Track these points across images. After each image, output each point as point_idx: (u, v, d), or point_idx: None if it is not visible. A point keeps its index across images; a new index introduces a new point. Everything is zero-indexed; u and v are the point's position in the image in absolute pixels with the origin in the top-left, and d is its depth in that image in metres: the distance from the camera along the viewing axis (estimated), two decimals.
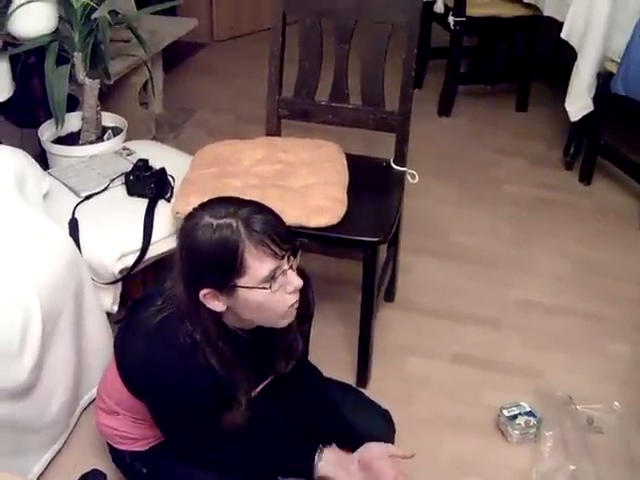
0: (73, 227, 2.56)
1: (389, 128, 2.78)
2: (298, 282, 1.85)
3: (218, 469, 2.05)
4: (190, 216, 1.85)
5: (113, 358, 2.12)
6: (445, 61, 4.50)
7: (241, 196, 2.34)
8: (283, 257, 1.81)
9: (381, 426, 2.31)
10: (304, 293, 1.93)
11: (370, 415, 2.32)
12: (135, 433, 2.17)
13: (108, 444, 2.26)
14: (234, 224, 1.77)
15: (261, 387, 2.10)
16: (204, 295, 1.83)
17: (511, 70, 4.79)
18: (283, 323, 1.92)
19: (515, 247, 3.43)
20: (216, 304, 1.85)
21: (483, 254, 3.38)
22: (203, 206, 1.85)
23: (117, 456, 2.24)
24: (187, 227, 1.84)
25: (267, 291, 1.81)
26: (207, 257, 1.80)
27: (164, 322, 1.91)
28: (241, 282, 1.80)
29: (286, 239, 1.82)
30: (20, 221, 2.39)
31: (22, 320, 2.14)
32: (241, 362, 1.93)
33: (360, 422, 2.24)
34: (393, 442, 2.31)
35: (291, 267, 1.84)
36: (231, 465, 2.06)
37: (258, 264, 1.78)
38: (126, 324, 2.09)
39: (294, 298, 1.87)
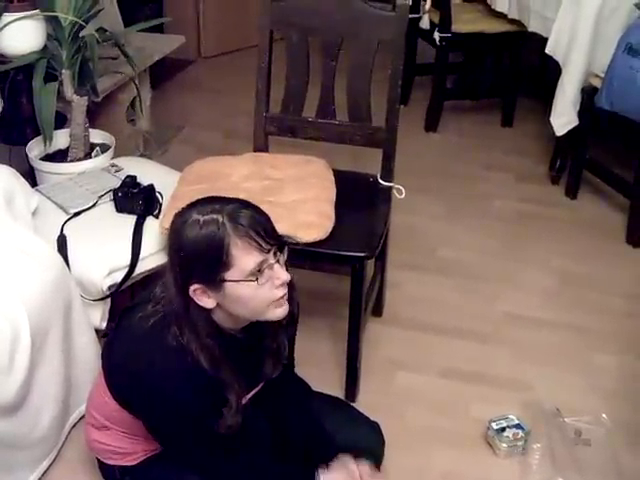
0: (61, 244, 2.56)
1: (376, 144, 2.80)
2: (285, 276, 1.87)
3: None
4: (178, 214, 1.89)
5: (100, 372, 2.12)
6: (431, 77, 4.53)
7: None
8: (269, 251, 1.84)
9: (371, 438, 2.33)
10: (289, 297, 1.94)
11: (360, 427, 2.34)
12: (126, 447, 2.16)
13: (98, 460, 2.25)
14: (220, 219, 1.81)
15: (252, 394, 2.10)
16: (194, 291, 1.85)
17: (497, 85, 4.83)
18: (275, 315, 1.93)
19: (502, 261, 3.45)
20: (206, 300, 1.87)
21: (470, 269, 3.39)
22: (191, 205, 1.89)
23: (107, 472, 2.23)
24: (176, 225, 1.88)
25: (254, 284, 1.83)
26: (195, 252, 1.83)
27: (152, 327, 1.92)
28: (228, 276, 1.82)
29: (272, 234, 1.86)
30: (8, 238, 2.39)
31: (11, 336, 2.14)
32: (231, 362, 1.94)
33: (350, 434, 2.26)
34: (383, 453, 2.34)
35: (278, 261, 1.86)
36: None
37: (244, 257, 1.81)
38: (113, 335, 2.11)
39: (282, 292, 1.89)
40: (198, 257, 1.84)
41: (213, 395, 1.94)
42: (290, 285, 1.93)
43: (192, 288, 1.85)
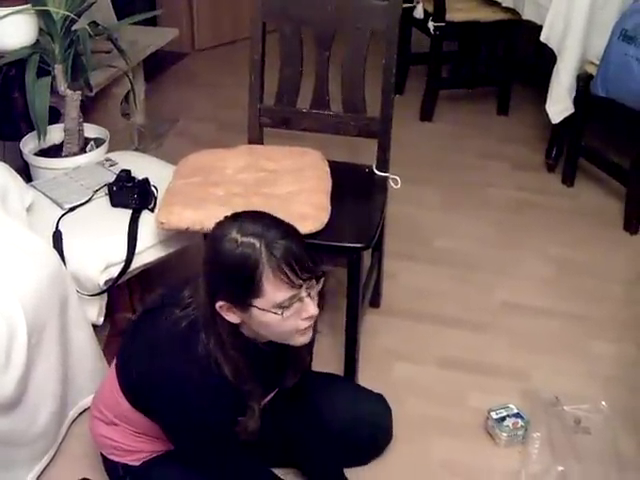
0: (57, 239, 2.55)
1: (371, 134, 2.79)
2: (314, 311, 1.85)
3: None
4: (220, 225, 1.86)
5: (113, 369, 2.12)
6: (426, 66, 4.51)
7: (224, 204, 2.36)
8: (301, 286, 1.80)
9: (379, 409, 2.42)
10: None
11: (366, 400, 2.41)
12: (132, 445, 2.16)
13: (102, 455, 2.25)
14: (257, 245, 1.77)
15: (267, 400, 2.10)
16: (220, 306, 1.84)
17: (492, 74, 4.83)
18: (298, 342, 1.92)
19: (499, 250, 3.45)
20: (231, 316, 1.86)
21: (468, 258, 3.39)
22: (235, 218, 1.85)
23: (110, 467, 2.24)
24: (214, 236, 1.85)
25: (279, 316, 1.81)
26: (226, 271, 1.82)
27: (181, 333, 1.91)
28: (255, 302, 1.80)
29: (307, 268, 1.81)
30: (3, 234, 2.38)
31: (7, 333, 2.14)
32: (254, 372, 1.93)
33: (358, 407, 2.34)
34: (392, 422, 2.42)
35: (309, 295, 1.83)
36: None
37: (274, 290, 1.79)
38: (135, 335, 2.09)
39: (307, 324, 1.87)
40: (229, 277, 1.82)
41: (235, 404, 1.94)
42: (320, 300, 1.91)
43: (218, 304, 1.84)
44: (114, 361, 2.16)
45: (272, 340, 1.94)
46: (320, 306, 1.88)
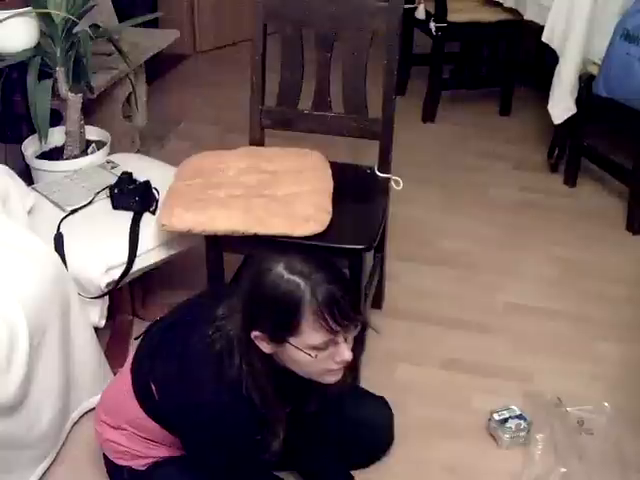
0: (58, 242, 2.55)
1: (373, 135, 2.78)
2: (348, 356, 1.84)
3: None
4: (267, 257, 1.85)
5: (126, 373, 2.11)
6: (428, 67, 4.51)
7: (226, 206, 2.36)
8: (338, 332, 1.80)
9: (381, 413, 2.41)
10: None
11: (369, 403, 2.41)
12: (139, 450, 2.16)
13: (106, 458, 2.25)
14: (302, 285, 1.77)
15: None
16: (255, 336, 1.84)
17: (494, 74, 4.83)
18: (326, 381, 1.92)
19: (502, 251, 3.44)
20: (265, 346, 1.86)
21: (470, 259, 3.38)
22: (284, 252, 1.85)
23: (115, 472, 2.23)
24: (260, 268, 1.84)
25: (312, 358, 1.82)
26: (267, 305, 1.81)
27: (214, 358, 1.90)
28: (291, 340, 1.80)
29: (348, 316, 1.80)
30: (4, 237, 2.38)
31: (8, 336, 2.13)
32: (280, 399, 1.93)
33: (360, 411, 2.33)
34: (393, 426, 2.42)
35: (346, 340, 1.83)
36: None
37: (311, 332, 1.78)
38: (161, 348, 2.07)
39: (339, 366, 1.87)
40: (268, 311, 1.81)
41: (261, 428, 1.94)
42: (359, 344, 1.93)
43: (254, 333, 1.83)
44: (127, 365, 2.15)
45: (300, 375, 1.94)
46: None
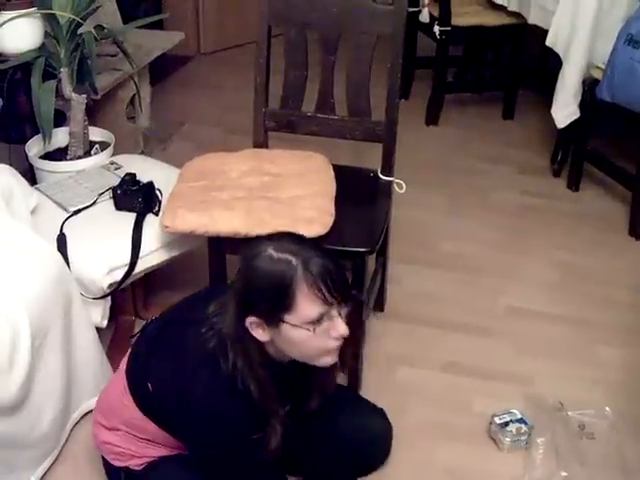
0: (61, 242, 2.55)
1: (376, 138, 2.79)
2: (344, 330, 1.86)
3: None
4: (254, 243, 1.89)
5: (121, 374, 2.11)
6: (431, 71, 4.51)
7: (229, 208, 2.36)
8: (332, 304, 1.83)
9: (379, 425, 2.39)
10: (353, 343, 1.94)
11: (367, 415, 2.38)
12: (135, 450, 2.16)
13: (104, 460, 2.25)
14: (293, 261, 1.80)
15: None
16: (250, 323, 1.86)
17: (497, 78, 4.82)
18: (322, 363, 1.93)
19: (504, 255, 3.44)
20: (260, 333, 1.87)
21: (472, 262, 3.38)
22: (270, 237, 1.89)
23: (113, 474, 2.23)
24: (250, 253, 1.87)
25: (310, 332, 1.83)
26: (260, 287, 1.84)
27: (211, 352, 1.91)
28: (287, 318, 1.82)
29: (340, 287, 1.83)
30: (8, 237, 2.38)
31: (10, 336, 2.14)
32: (278, 391, 1.94)
33: (358, 422, 2.31)
34: (391, 439, 2.39)
35: (340, 314, 1.85)
36: None
37: (307, 305, 1.81)
38: (156, 347, 2.08)
39: (336, 343, 1.89)
40: (262, 292, 1.84)
41: (259, 423, 1.94)
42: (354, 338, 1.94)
43: (249, 320, 1.85)
44: (122, 366, 2.16)
45: (297, 360, 1.95)
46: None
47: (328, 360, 1.93)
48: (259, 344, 1.89)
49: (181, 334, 2.01)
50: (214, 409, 1.91)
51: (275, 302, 1.82)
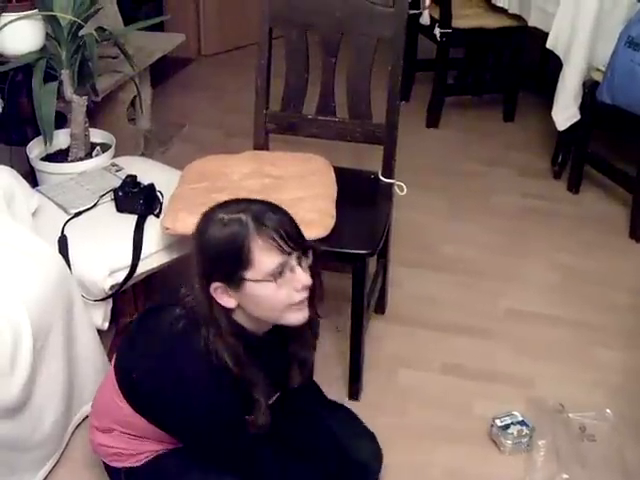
0: (62, 244, 2.55)
1: (377, 141, 2.79)
2: (306, 279, 1.87)
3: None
4: (205, 214, 1.91)
5: (110, 375, 2.11)
6: (432, 73, 4.51)
7: None
8: (290, 253, 1.84)
9: (369, 451, 2.31)
10: (310, 302, 1.93)
11: (358, 438, 2.31)
12: (130, 449, 2.15)
13: (104, 463, 2.24)
14: (244, 218, 1.83)
15: (272, 400, 2.08)
16: (215, 289, 1.86)
17: (498, 81, 4.83)
18: (294, 319, 1.92)
19: (505, 257, 3.44)
20: (226, 300, 1.88)
21: (473, 265, 3.38)
22: (219, 205, 1.92)
23: (113, 475, 2.23)
24: (201, 223, 1.90)
25: (273, 284, 1.84)
26: (217, 250, 1.86)
27: (182, 331, 1.92)
28: (248, 275, 1.83)
29: (295, 237, 1.86)
30: (9, 239, 2.38)
31: (12, 338, 2.14)
32: (256, 362, 1.93)
33: (348, 445, 2.24)
34: (381, 465, 2.31)
35: (300, 265, 1.86)
36: None
37: (265, 257, 1.82)
38: (133, 338, 2.10)
39: (301, 296, 1.89)
40: (220, 255, 1.86)
41: (240, 395, 1.93)
42: (316, 292, 1.94)
43: (213, 286, 1.86)
44: (110, 365, 2.16)
45: (267, 321, 1.95)
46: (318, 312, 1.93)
47: (298, 317, 1.91)
48: (227, 312, 1.89)
49: (157, 319, 2.02)
50: (190, 388, 1.90)
51: (233, 261, 1.83)
